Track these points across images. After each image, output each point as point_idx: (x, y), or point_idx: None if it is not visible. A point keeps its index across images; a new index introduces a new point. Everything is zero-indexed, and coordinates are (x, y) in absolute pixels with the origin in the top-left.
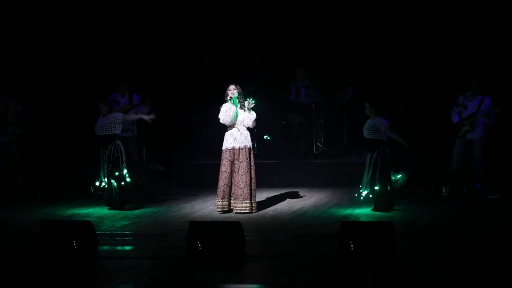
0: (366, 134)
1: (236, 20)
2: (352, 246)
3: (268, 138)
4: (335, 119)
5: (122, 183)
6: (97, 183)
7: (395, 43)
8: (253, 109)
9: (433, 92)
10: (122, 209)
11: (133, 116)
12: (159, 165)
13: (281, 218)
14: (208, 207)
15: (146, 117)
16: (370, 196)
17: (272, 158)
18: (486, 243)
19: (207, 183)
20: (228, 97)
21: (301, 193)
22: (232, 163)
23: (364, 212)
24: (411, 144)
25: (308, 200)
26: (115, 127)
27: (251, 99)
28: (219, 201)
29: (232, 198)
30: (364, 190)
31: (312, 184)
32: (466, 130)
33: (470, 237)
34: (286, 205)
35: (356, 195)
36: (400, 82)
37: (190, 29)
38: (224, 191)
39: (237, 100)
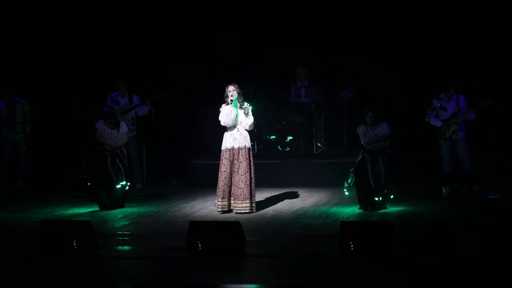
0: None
1: (236, 20)
2: (352, 246)
3: (291, 138)
4: (335, 119)
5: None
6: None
7: (394, 43)
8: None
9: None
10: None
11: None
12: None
13: (281, 218)
14: (208, 207)
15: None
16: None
17: (272, 158)
18: (486, 243)
19: (207, 183)
20: (229, 99)
21: (301, 193)
22: (231, 163)
23: (364, 212)
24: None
25: (308, 200)
26: (123, 138)
27: (248, 104)
28: (218, 201)
29: (232, 198)
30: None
31: (312, 184)
32: (454, 130)
33: (470, 237)
34: (286, 205)
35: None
36: (399, 82)
37: (189, 29)
38: (224, 191)
39: (237, 102)
